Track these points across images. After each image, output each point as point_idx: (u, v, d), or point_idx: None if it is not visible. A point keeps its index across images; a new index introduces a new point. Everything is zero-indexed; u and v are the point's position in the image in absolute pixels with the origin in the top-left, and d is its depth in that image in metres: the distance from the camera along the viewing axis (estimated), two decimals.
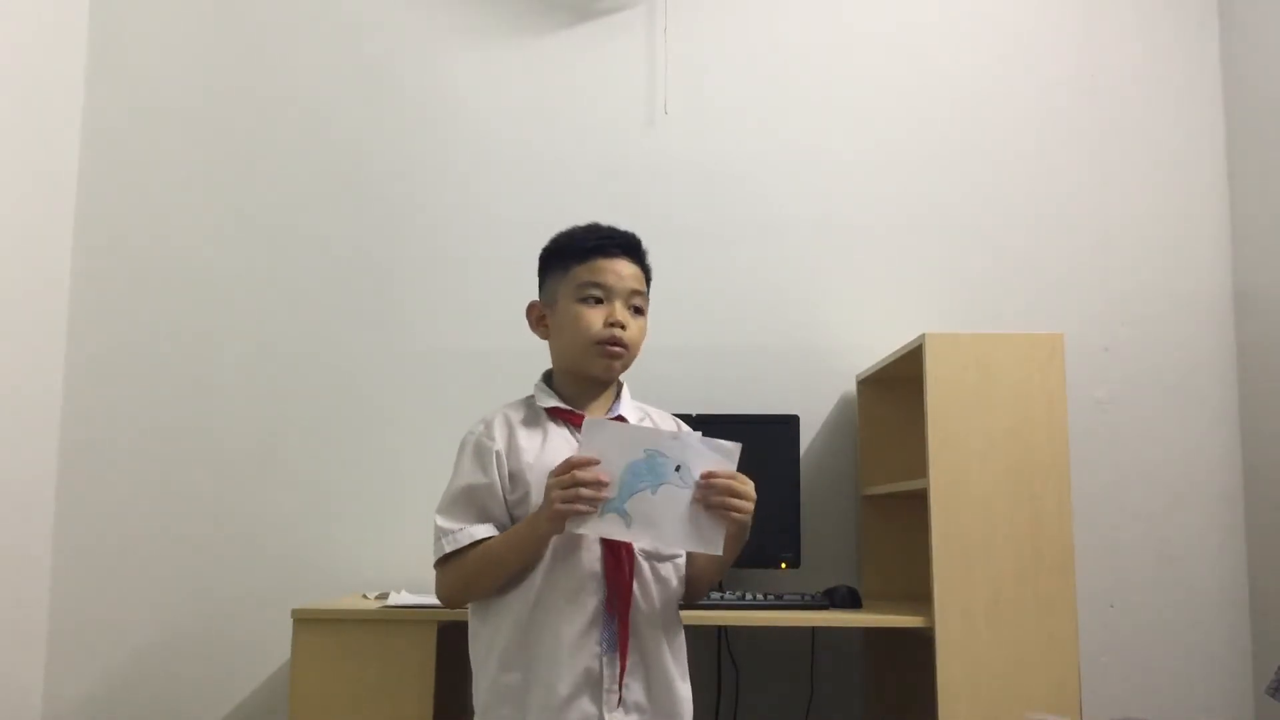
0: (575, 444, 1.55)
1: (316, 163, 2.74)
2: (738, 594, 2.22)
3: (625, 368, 1.61)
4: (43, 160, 2.63)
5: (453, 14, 2.79)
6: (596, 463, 1.43)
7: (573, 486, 1.41)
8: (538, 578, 1.51)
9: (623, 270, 1.59)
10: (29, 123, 2.57)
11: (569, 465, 1.43)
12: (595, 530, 1.45)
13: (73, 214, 2.71)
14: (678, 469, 1.44)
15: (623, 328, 1.57)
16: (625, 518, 1.44)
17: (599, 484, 1.42)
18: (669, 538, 1.47)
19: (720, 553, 1.48)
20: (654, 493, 1.44)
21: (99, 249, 2.71)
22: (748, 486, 1.47)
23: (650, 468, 1.44)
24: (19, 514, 2.51)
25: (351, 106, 2.76)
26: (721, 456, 1.46)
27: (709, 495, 1.44)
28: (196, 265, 2.70)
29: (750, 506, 1.47)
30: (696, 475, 1.44)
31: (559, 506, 1.42)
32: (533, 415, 1.62)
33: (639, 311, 1.61)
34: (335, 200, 2.73)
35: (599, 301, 1.58)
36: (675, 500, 1.44)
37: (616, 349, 1.57)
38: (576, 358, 1.60)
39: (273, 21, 2.79)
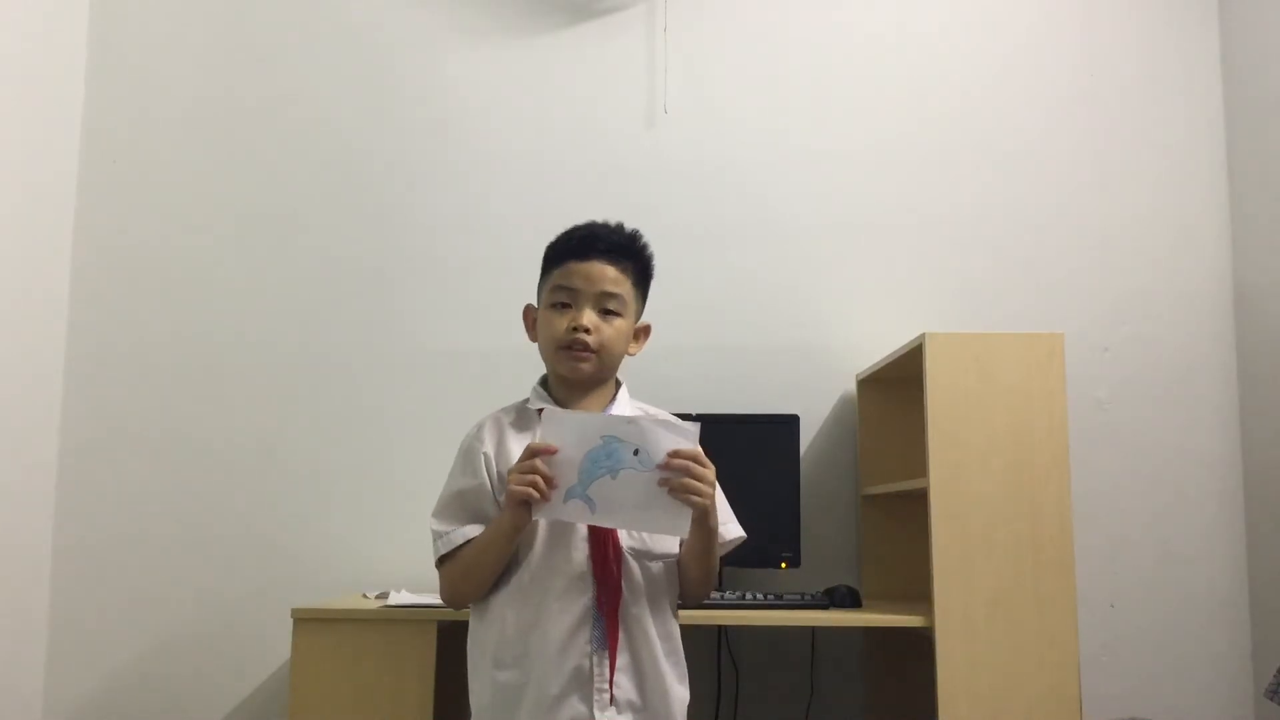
0: None
1: (317, 162, 2.74)
2: (738, 594, 2.22)
3: (600, 369, 1.61)
4: (43, 160, 2.63)
5: (453, 14, 2.79)
6: (554, 450, 1.45)
7: (530, 473, 1.44)
8: (528, 577, 1.53)
9: (593, 273, 1.59)
10: (29, 122, 2.57)
11: (530, 452, 1.46)
12: (560, 515, 1.47)
13: (73, 214, 2.71)
14: (636, 453, 1.45)
15: (587, 331, 1.57)
16: (589, 503, 1.46)
17: (549, 480, 1.44)
18: (633, 520, 1.49)
19: (686, 535, 1.48)
20: (614, 477, 1.45)
21: (99, 249, 2.71)
22: (708, 470, 1.47)
23: (608, 453, 1.45)
24: (19, 514, 2.51)
25: (351, 106, 2.76)
26: (680, 437, 1.47)
27: (671, 477, 1.44)
28: (196, 265, 2.71)
29: (710, 490, 1.47)
30: (655, 457, 1.45)
31: (513, 489, 1.45)
32: (524, 418, 1.64)
33: (613, 313, 1.60)
34: (335, 200, 2.73)
35: (568, 306, 1.59)
36: (635, 484, 1.45)
37: (579, 353, 1.57)
38: (549, 361, 1.63)
39: (272, 21, 2.79)
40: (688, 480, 1.45)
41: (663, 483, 1.45)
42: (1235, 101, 2.73)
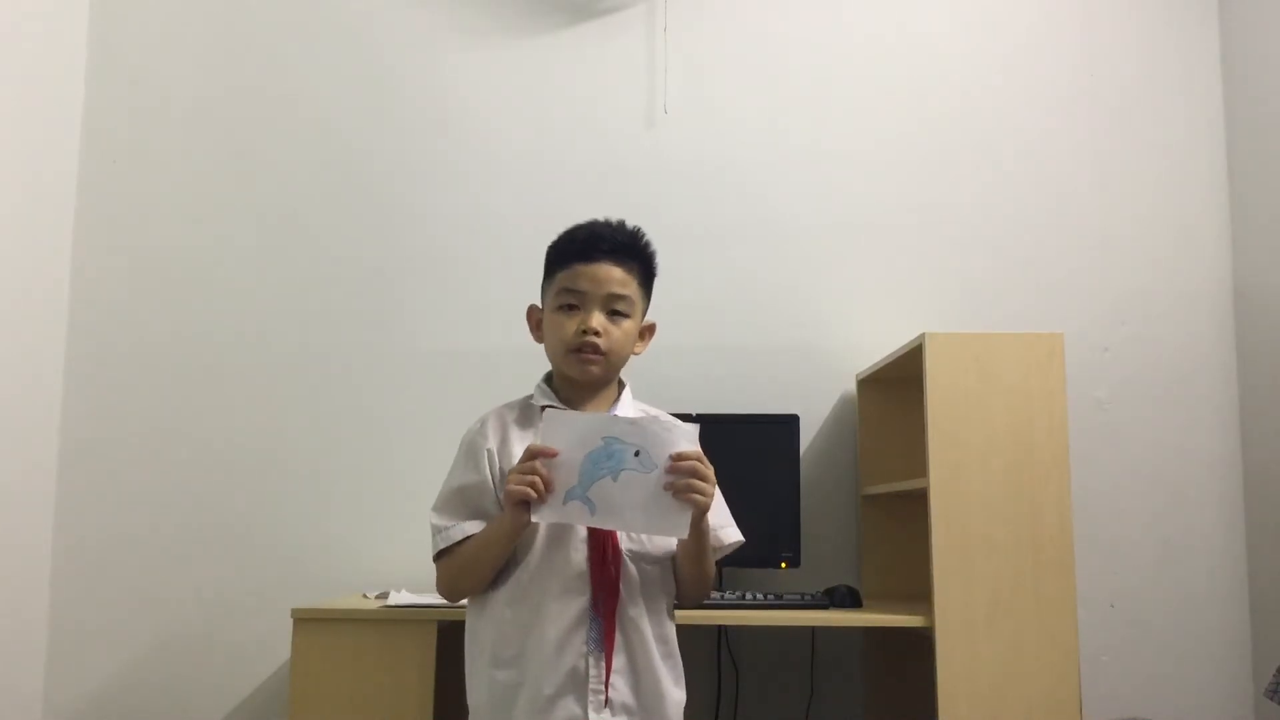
0: None
1: (317, 162, 2.74)
2: (738, 594, 2.22)
3: (608, 371, 1.61)
4: (43, 160, 2.63)
5: (453, 14, 2.79)
6: (554, 453, 1.45)
7: (528, 474, 1.44)
8: (526, 577, 1.52)
9: (600, 275, 1.59)
10: (29, 122, 2.57)
11: (529, 454, 1.47)
12: (559, 517, 1.47)
13: (73, 214, 2.71)
14: (637, 454, 1.45)
15: (596, 333, 1.57)
16: (589, 505, 1.45)
17: (548, 481, 1.45)
18: (633, 522, 1.48)
19: (685, 535, 1.48)
20: (615, 479, 1.45)
21: (99, 249, 2.71)
22: (710, 470, 1.47)
23: (609, 454, 1.45)
24: (19, 514, 2.51)
25: (352, 106, 2.76)
26: (682, 438, 1.47)
27: (675, 478, 1.45)
28: (196, 265, 2.71)
29: (712, 490, 1.48)
30: (657, 459, 1.45)
31: (511, 489, 1.45)
32: (528, 414, 1.64)
33: (621, 314, 1.60)
34: (336, 200, 2.73)
35: (575, 308, 1.59)
36: (636, 485, 1.45)
37: (589, 355, 1.58)
38: (557, 363, 1.63)
39: (273, 21, 2.79)
40: (693, 481, 1.45)
41: (668, 486, 1.45)
42: (1235, 101, 2.73)
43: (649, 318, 1.69)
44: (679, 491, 1.45)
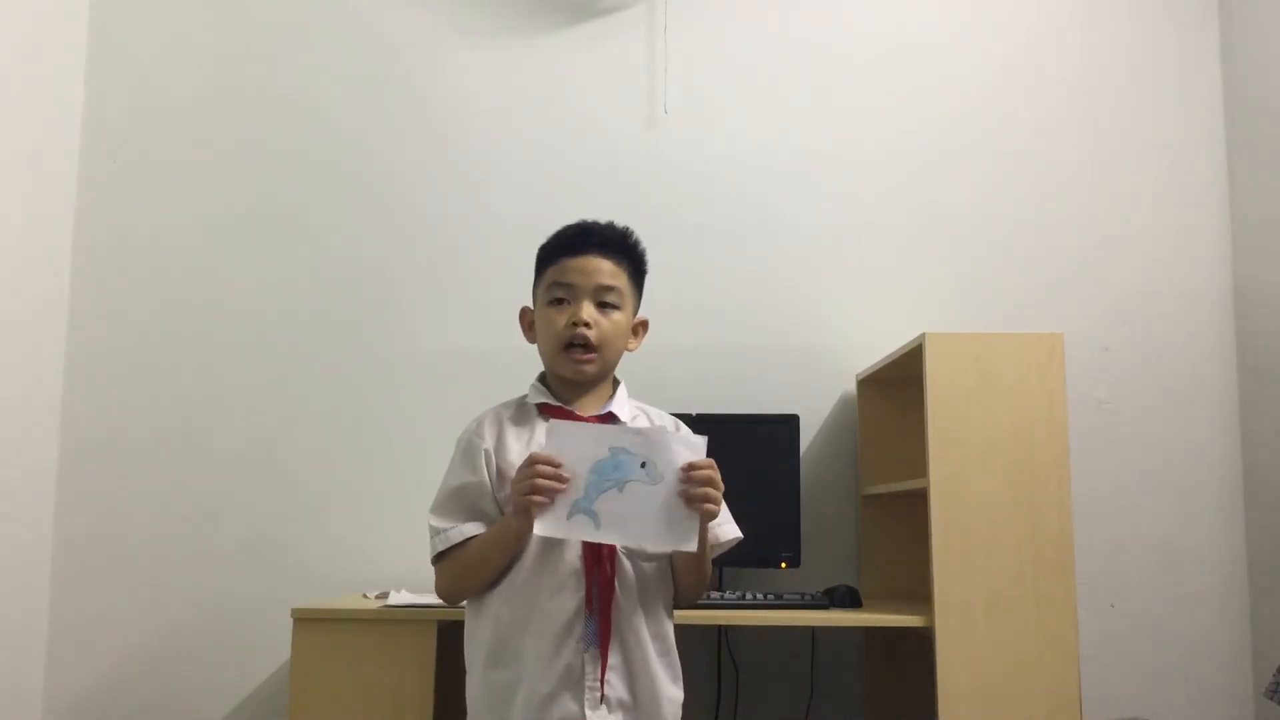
0: None
1: (317, 162, 2.74)
2: (738, 594, 2.22)
3: (601, 367, 1.61)
4: (43, 160, 2.63)
5: (453, 14, 2.79)
6: (558, 463, 1.43)
7: (532, 479, 1.42)
8: (521, 576, 1.52)
9: (589, 266, 1.59)
10: (29, 122, 2.57)
11: (531, 460, 1.45)
12: (563, 532, 1.44)
13: (73, 214, 2.71)
14: (644, 465, 1.43)
15: (587, 326, 1.57)
16: (594, 518, 1.43)
17: (558, 477, 1.42)
18: (640, 535, 1.46)
19: (694, 549, 1.47)
20: (621, 490, 1.43)
21: (99, 249, 2.71)
22: (719, 478, 1.47)
23: (615, 465, 1.43)
24: (19, 514, 2.50)
25: (351, 106, 2.76)
26: (690, 450, 1.45)
27: (690, 488, 1.44)
28: (196, 265, 2.71)
29: (721, 498, 1.47)
30: (665, 470, 1.43)
31: (518, 499, 1.44)
32: (524, 413, 1.64)
33: (611, 306, 1.60)
34: (335, 200, 2.73)
35: (565, 301, 1.59)
36: (643, 497, 1.43)
37: (581, 351, 1.57)
38: (549, 361, 1.63)
39: (273, 21, 2.79)
40: (709, 490, 1.44)
41: (683, 494, 1.44)
42: (1235, 101, 2.73)
43: (645, 317, 1.69)
44: (694, 500, 1.43)
